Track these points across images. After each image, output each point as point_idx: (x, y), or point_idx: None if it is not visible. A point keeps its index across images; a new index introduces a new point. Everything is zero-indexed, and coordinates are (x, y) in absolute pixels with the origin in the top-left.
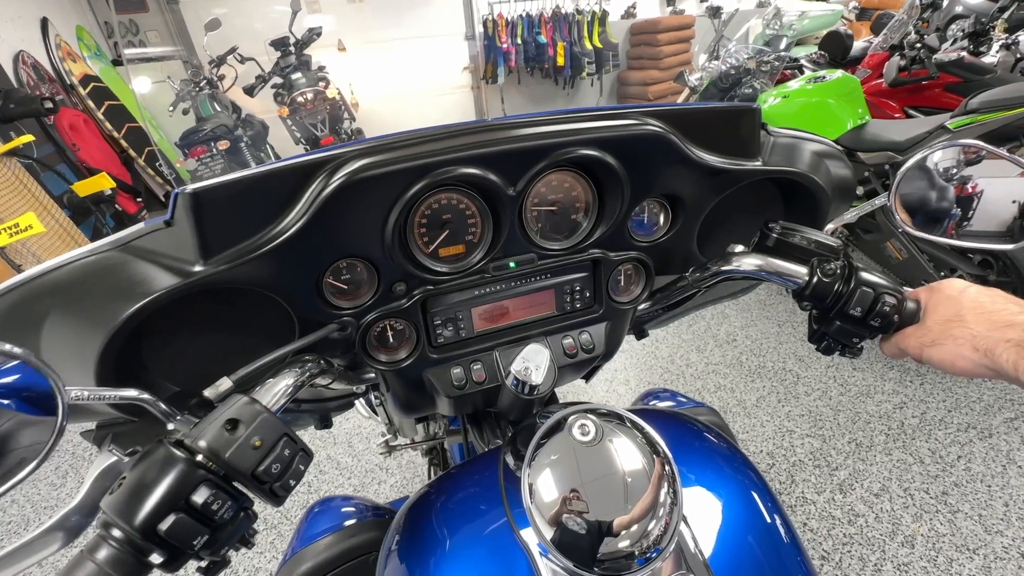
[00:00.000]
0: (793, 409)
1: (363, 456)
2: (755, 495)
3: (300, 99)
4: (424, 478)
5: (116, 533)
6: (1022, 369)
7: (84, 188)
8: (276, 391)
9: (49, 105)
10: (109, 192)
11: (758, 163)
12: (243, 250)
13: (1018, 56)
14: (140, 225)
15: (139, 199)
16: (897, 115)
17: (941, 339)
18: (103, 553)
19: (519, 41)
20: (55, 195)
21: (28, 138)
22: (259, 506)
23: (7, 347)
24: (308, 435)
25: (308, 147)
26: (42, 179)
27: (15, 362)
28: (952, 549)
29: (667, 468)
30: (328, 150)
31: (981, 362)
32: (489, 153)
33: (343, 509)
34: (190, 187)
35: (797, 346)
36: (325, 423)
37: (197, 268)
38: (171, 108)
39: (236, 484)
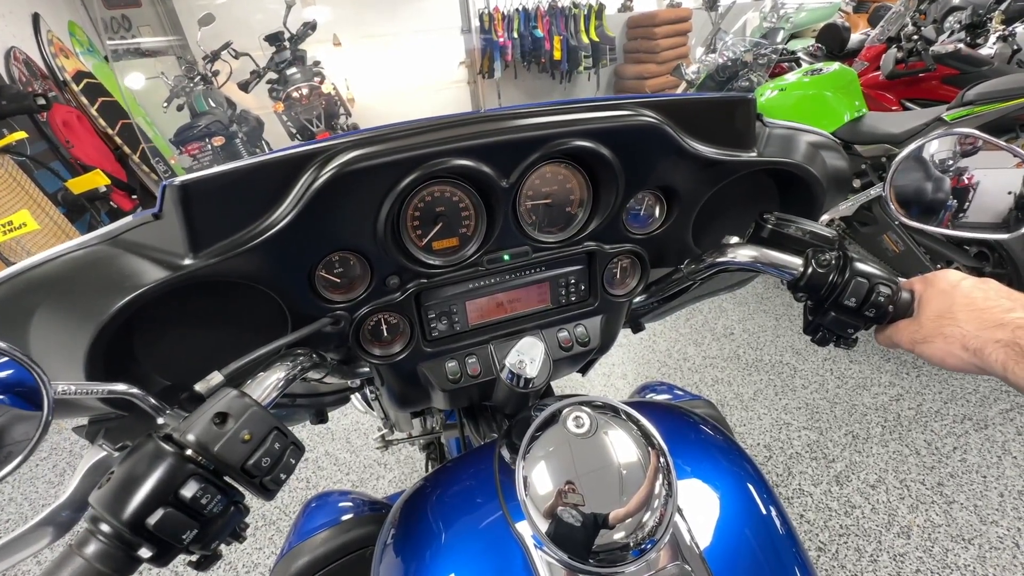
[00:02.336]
0: (790, 402)
1: (361, 452)
2: (751, 487)
3: (295, 94)
4: (421, 473)
5: (104, 528)
6: (1011, 370)
7: (78, 185)
8: (267, 385)
9: (42, 102)
10: (104, 189)
11: (753, 154)
12: (233, 243)
13: (1015, 48)
14: (129, 218)
15: (134, 196)
16: (894, 107)
17: (932, 336)
18: (91, 548)
19: (515, 35)
20: (49, 192)
21: (21, 135)
22: (257, 502)
23: None
24: (306, 432)
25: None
26: (36, 176)
27: (6, 358)
28: (948, 539)
29: (662, 460)
30: (319, 142)
31: (971, 361)
32: (482, 144)
33: (340, 504)
34: (178, 179)
35: (794, 339)
36: (321, 418)
37: (187, 261)
38: (165, 104)
39: (226, 478)
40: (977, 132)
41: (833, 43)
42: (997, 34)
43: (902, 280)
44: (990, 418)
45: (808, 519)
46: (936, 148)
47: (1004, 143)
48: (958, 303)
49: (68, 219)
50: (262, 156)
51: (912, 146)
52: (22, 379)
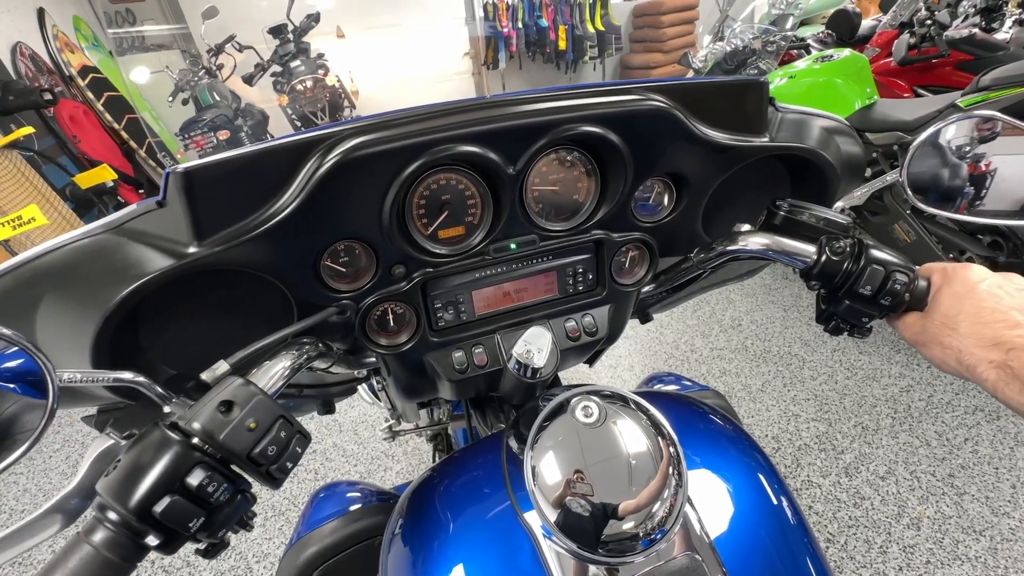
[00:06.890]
0: (799, 393)
1: (368, 443)
2: (761, 477)
3: (299, 87)
4: (428, 464)
5: (112, 515)
6: (1000, 391)
7: (86, 180)
8: (273, 374)
9: (48, 97)
10: (111, 184)
11: (765, 139)
12: (238, 231)
13: None
14: (133, 207)
15: (141, 190)
16: (906, 94)
17: (932, 342)
18: (99, 535)
19: (520, 25)
20: (57, 187)
21: (28, 130)
22: (266, 491)
23: None
24: (314, 424)
25: None
26: (44, 171)
27: (16, 347)
28: (958, 531)
29: (672, 449)
30: (324, 128)
31: (964, 374)
32: (488, 130)
33: (348, 494)
34: (182, 166)
35: (803, 330)
36: (328, 408)
37: (191, 250)
38: (170, 98)
39: (233, 466)
40: (999, 115)
41: (844, 29)
42: (1013, 18)
43: (921, 266)
44: (1002, 409)
45: (817, 510)
46: (954, 133)
47: None
48: (965, 311)
49: (76, 214)
50: (266, 143)
51: (930, 131)
52: (32, 368)
